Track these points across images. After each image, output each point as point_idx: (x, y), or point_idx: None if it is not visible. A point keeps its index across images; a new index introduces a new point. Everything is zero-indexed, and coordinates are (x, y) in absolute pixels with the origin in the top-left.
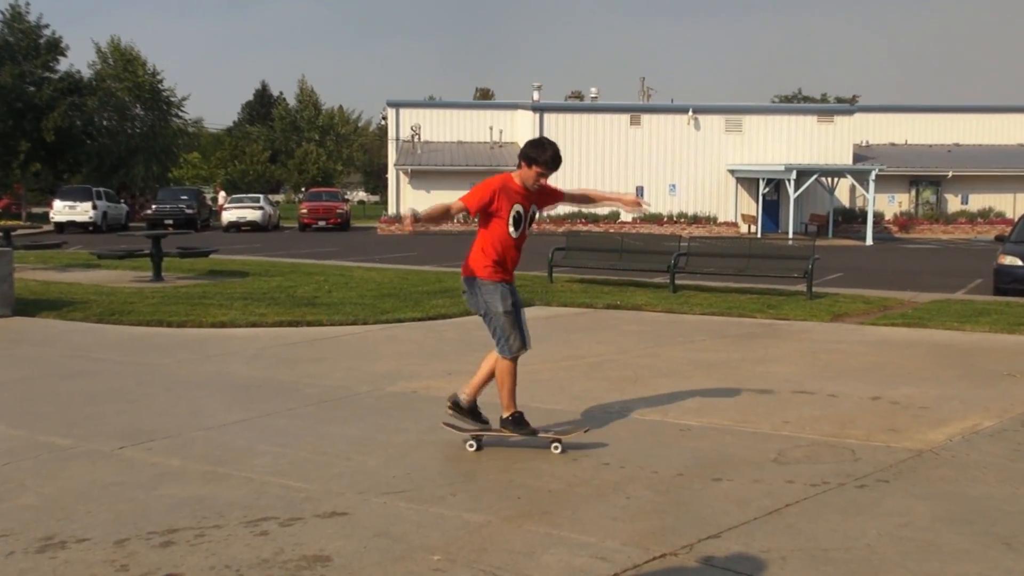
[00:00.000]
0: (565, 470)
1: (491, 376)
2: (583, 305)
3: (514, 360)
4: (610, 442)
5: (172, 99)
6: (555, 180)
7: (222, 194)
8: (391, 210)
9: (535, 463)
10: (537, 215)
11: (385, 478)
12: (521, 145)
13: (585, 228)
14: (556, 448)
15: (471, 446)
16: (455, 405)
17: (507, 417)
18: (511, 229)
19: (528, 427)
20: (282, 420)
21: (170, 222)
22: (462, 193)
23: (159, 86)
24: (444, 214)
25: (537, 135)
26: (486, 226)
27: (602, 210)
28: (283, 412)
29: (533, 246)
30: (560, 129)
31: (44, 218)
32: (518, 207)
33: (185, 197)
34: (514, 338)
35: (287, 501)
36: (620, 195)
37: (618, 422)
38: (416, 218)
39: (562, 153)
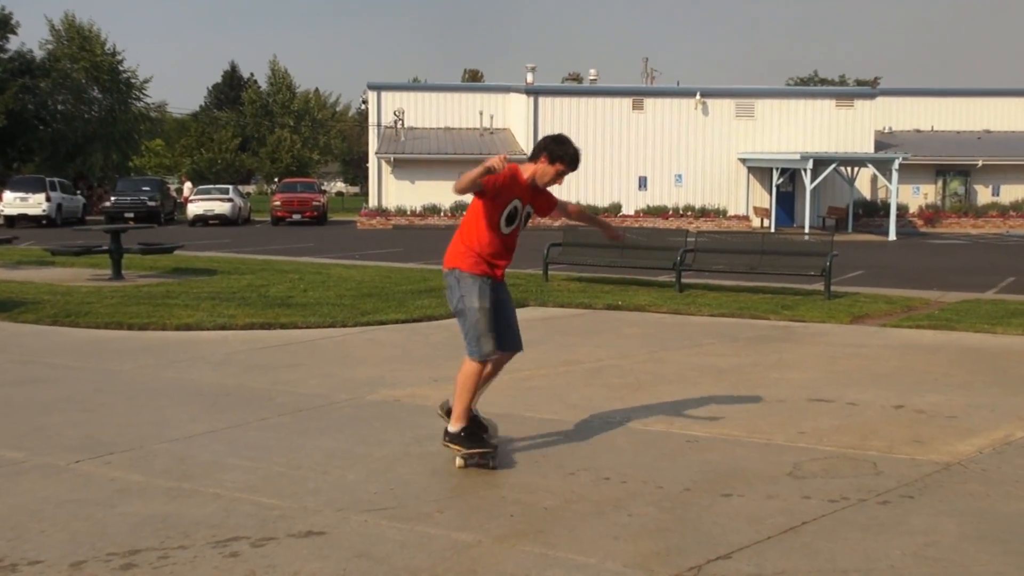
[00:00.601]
0: (562, 485)
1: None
2: (581, 306)
3: (483, 363)
4: (611, 455)
5: (133, 81)
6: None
7: (188, 185)
8: (372, 202)
9: (529, 478)
10: (530, 216)
11: (366, 494)
12: (515, 132)
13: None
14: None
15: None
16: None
17: (458, 431)
18: (503, 224)
19: (486, 446)
20: (253, 431)
21: (131, 215)
22: (451, 184)
23: (119, 67)
24: (474, 181)
25: (531, 121)
26: (476, 215)
27: (602, 202)
28: (254, 422)
29: (527, 241)
30: (556, 114)
31: None
32: (516, 202)
33: (147, 188)
34: (486, 340)
35: (259, 519)
36: (607, 224)
37: (619, 433)
38: (493, 170)
39: None
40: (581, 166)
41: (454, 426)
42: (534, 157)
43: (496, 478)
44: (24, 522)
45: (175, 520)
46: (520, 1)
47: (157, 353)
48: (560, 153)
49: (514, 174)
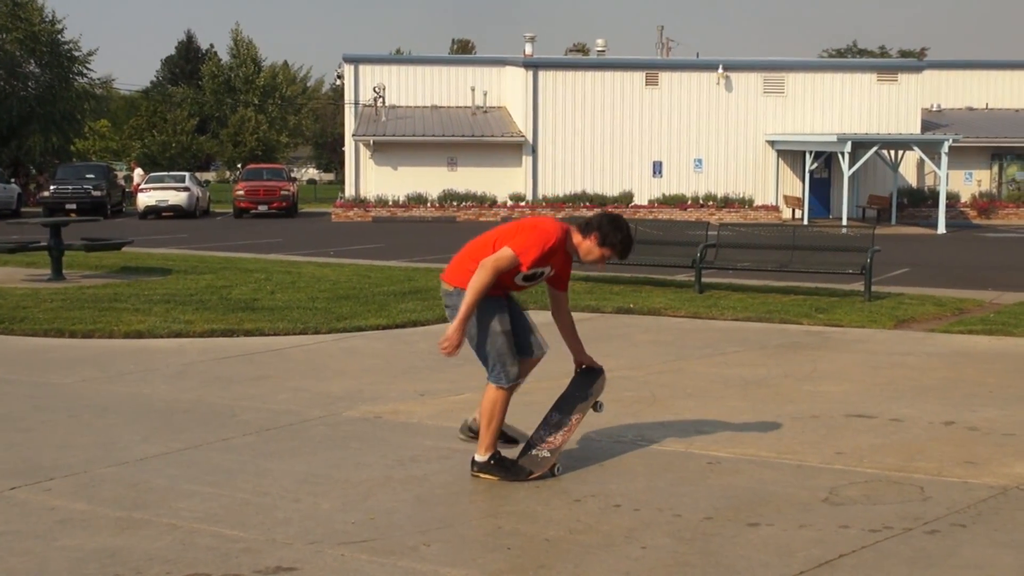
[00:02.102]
0: (566, 513)
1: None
2: (588, 309)
3: (510, 390)
4: (622, 479)
5: (76, 54)
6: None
7: (138, 172)
8: (348, 191)
9: (528, 505)
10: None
11: (342, 524)
12: (511, 110)
13: (590, 213)
14: (559, 470)
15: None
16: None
17: (488, 460)
18: (519, 279)
19: (522, 468)
20: (214, 453)
21: (72, 207)
22: (439, 171)
23: (59, 37)
24: (492, 278)
25: (530, 98)
26: (494, 251)
27: (611, 191)
28: (215, 443)
29: None
30: (559, 90)
31: None
32: (547, 268)
33: (91, 176)
34: (512, 364)
35: (220, 554)
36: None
37: (631, 454)
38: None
39: (562, 120)
40: (588, 149)
41: (482, 455)
42: (585, 231)
43: (490, 506)
44: None
45: (124, 555)
46: None
47: (104, 364)
48: (613, 240)
49: (562, 244)
